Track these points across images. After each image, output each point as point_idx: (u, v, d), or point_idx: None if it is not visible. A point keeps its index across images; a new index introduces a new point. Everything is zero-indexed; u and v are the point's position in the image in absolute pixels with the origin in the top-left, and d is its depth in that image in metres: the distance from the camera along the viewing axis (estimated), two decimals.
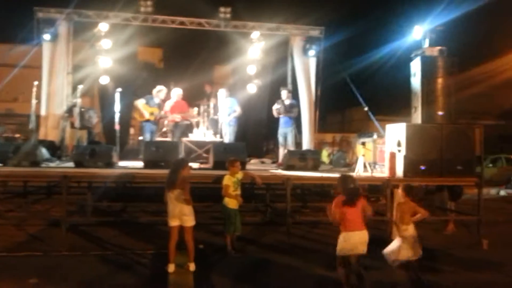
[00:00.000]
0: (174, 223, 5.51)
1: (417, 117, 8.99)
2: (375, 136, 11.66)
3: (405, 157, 7.68)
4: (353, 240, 4.83)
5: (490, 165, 19.65)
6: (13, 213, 8.91)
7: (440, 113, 8.84)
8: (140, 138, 10.79)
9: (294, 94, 12.47)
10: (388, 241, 5.78)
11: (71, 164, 8.55)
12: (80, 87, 10.82)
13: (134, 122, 14.39)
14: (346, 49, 16.18)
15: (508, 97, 26.62)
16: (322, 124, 17.68)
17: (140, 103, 10.48)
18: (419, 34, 10.11)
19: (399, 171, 7.78)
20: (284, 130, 10.84)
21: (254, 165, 10.80)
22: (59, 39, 12.00)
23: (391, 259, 5.39)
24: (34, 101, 10.04)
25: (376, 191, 9.20)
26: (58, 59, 11.91)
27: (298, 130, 11.79)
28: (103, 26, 11.64)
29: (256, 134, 14.45)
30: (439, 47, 9.51)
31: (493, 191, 15.84)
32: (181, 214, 5.47)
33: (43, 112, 11.58)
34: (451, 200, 8.80)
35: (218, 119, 11.29)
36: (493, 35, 24.51)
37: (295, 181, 7.90)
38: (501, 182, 17.29)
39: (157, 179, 7.20)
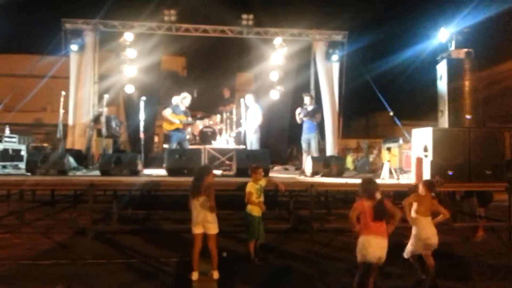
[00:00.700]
0: (197, 230, 5.51)
1: (444, 121, 8.75)
2: (400, 141, 11.47)
3: (432, 162, 7.52)
4: (371, 244, 4.78)
5: None
6: (40, 222, 9.12)
7: (468, 116, 8.58)
8: (165, 146, 10.88)
9: (317, 99, 12.38)
10: None
11: (97, 172, 8.71)
12: (106, 96, 11.01)
13: (158, 130, 14.58)
14: (369, 52, 16.01)
15: None
16: (346, 129, 17.51)
17: (167, 112, 10.58)
18: (445, 36, 9.89)
19: (426, 177, 7.58)
20: (308, 136, 10.73)
21: (277, 172, 10.74)
22: (86, 49, 12.33)
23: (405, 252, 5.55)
24: (61, 111, 10.27)
25: (402, 197, 8.99)
26: (84, 69, 12.22)
27: (321, 136, 11.67)
28: (128, 36, 11.87)
29: (279, 140, 14.41)
30: (466, 49, 9.27)
31: None
32: (205, 222, 5.47)
33: (70, 121, 11.89)
34: (481, 206, 8.55)
35: (241, 128, 11.30)
36: None
37: (318, 188, 7.81)
38: None
39: (181, 186, 7.25)
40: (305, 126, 10.77)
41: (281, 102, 13.23)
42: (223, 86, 13.36)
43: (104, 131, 10.75)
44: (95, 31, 12.49)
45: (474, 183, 7.63)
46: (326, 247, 7.53)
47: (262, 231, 6.44)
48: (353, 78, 13.89)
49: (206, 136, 11.23)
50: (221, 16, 13.37)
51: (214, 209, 5.45)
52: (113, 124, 11.07)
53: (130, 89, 12.03)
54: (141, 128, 10.22)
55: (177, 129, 10.50)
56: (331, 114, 12.93)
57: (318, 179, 8.45)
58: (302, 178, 8.92)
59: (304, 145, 10.87)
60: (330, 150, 12.64)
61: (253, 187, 6.36)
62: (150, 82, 12.90)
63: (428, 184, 5.66)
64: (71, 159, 8.98)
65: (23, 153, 12.37)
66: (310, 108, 10.79)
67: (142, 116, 10.19)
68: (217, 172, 8.72)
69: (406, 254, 5.58)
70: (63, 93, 10.46)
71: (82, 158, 10.51)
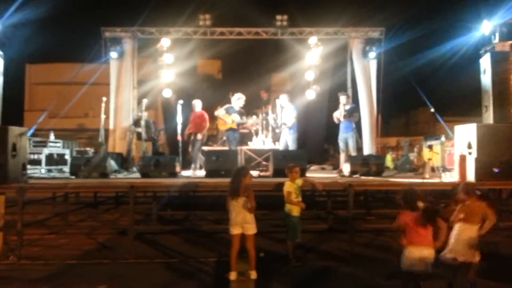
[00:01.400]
0: (236, 231, 5.52)
1: (488, 117, 8.39)
2: (443, 139, 11.10)
3: (477, 160, 7.24)
4: (414, 255, 4.53)
5: None
6: (84, 223, 9.43)
7: None
8: (204, 148, 11.01)
9: (354, 98, 12.19)
10: None
11: (137, 174, 8.93)
12: (145, 100, 11.29)
13: None
14: (408, 48, 15.54)
15: None
16: (386, 127, 17.14)
17: (220, 112, 10.74)
18: (488, 28, 9.49)
19: (470, 175, 7.32)
20: (345, 135, 10.55)
21: (314, 172, 10.65)
22: (125, 56, 12.72)
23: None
24: (103, 116, 10.60)
25: (444, 196, 8.70)
26: (124, 75, 12.61)
27: (359, 135, 11.46)
28: (165, 42, 12.14)
29: (316, 140, 14.30)
30: (511, 42, 8.87)
31: None
32: (244, 222, 5.47)
33: (111, 125, 12.29)
34: None
35: (277, 128, 11.26)
36: None
37: (357, 188, 7.66)
38: None
39: (219, 187, 7.33)
40: (342, 125, 10.60)
41: (317, 102, 13.10)
42: (258, 87, 13.39)
43: (143, 134, 11.03)
44: (133, 38, 12.87)
45: None
46: (366, 248, 7.37)
47: (299, 231, 6.39)
48: (391, 75, 13.59)
49: (242, 138, 11.29)
50: (255, 18, 13.43)
51: (254, 210, 5.45)
52: (152, 127, 11.34)
53: (167, 93, 12.31)
54: (179, 131, 10.39)
55: (231, 129, 10.64)
56: (368, 112, 12.70)
57: (357, 178, 8.30)
58: (339, 177, 8.79)
59: (341, 144, 10.69)
60: (368, 149, 12.42)
61: (292, 187, 6.30)
62: (187, 86, 13.16)
63: (469, 189, 5.10)
64: (112, 162, 9.27)
65: (67, 157, 12.92)
66: (347, 107, 10.61)
67: (179, 119, 10.37)
68: (254, 173, 8.72)
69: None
70: (104, 98, 10.81)
71: (123, 161, 10.83)
